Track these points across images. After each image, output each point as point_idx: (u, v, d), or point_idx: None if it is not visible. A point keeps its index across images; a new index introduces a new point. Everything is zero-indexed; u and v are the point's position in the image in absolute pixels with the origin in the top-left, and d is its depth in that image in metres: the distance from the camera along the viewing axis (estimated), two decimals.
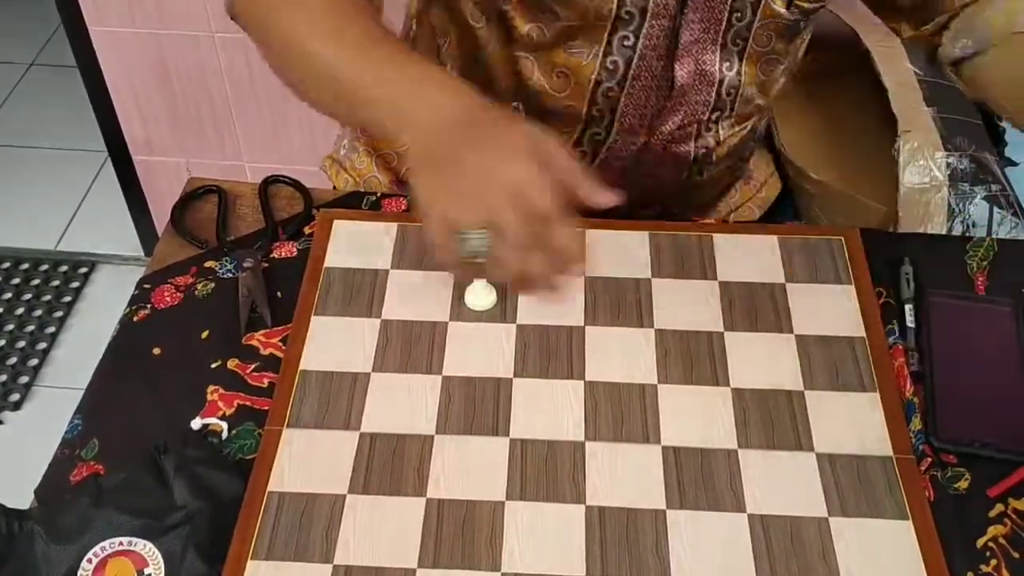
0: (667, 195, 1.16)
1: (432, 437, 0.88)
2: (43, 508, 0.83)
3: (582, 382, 0.92)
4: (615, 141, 1.07)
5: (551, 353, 0.94)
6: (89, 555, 0.79)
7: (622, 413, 0.90)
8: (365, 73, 0.83)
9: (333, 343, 0.94)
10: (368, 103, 0.83)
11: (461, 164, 0.77)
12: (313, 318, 0.96)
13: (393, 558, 0.80)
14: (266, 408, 0.90)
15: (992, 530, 0.83)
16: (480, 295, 0.97)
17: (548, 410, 0.90)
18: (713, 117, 1.07)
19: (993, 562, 0.81)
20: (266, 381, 0.92)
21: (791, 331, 0.96)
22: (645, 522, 0.83)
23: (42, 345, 2.17)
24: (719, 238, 1.04)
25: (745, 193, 1.27)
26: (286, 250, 1.04)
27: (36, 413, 2.06)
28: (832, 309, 0.98)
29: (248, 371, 0.93)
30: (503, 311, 0.97)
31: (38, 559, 0.79)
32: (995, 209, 1.33)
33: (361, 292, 0.98)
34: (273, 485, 0.85)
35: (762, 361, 0.94)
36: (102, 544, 0.79)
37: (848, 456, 0.87)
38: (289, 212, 1.08)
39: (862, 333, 0.95)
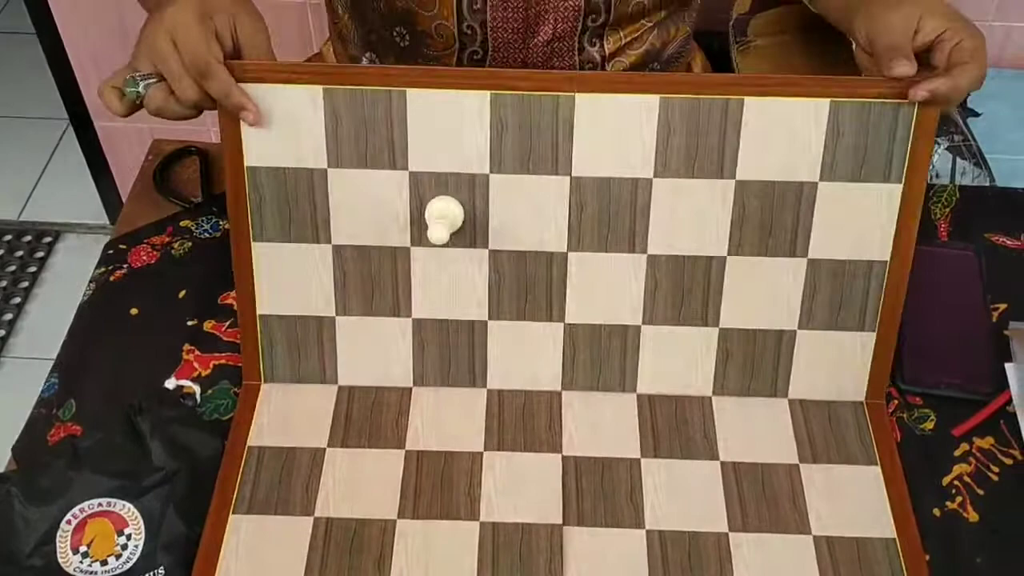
0: None
1: (410, 390, 0.88)
2: (20, 471, 0.83)
3: (561, 324, 0.88)
4: (493, 59, 1.03)
5: (528, 288, 0.87)
6: (68, 516, 0.79)
7: (600, 359, 0.89)
8: None
9: (285, 279, 0.86)
10: None
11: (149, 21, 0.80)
12: (254, 245, 0.86)
13: (373, 510, 0.81)
14: (241, 365, 0.90)
15: (957, 468, 0.85)
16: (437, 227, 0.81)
17: (525, 356, 0.89)
18: (592, 25, 1.02)
19: (959, 499, 0.83)
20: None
21: (805, 254, 0.85)
22: (620, 470, 0.84)
23: (8, 316, 2.15)
24: (753, 105, 0.81)
25: None
26: None
27: (4, 384, 2.04)
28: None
29: (223, 329, 0.93)
30: (473, 235, 0.85)
31: (16, 521, 0.79)
32: (957, 159, 1.35)
33: (298, 203, 0.84)
34: (252, 440, 0.85)
35: (761, 294, 0.87)
36: (81, 505, 0.80)
37: (820, 402, 0.88)
38: None
39: (886, 256, 0.85)
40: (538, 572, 0.78)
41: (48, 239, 2.30)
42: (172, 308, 0.95)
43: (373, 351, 0.89)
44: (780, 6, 1.37)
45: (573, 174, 0.83)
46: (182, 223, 1.02)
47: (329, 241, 0.85)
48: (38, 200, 2.39)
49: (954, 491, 0.83)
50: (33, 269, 2.23)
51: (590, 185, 0.83)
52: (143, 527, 0.79)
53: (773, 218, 0.84)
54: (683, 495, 0.83)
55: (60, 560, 0.78)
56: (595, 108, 0.81)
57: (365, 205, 0.84)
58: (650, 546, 0.80)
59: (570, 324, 0.88)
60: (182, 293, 0.96)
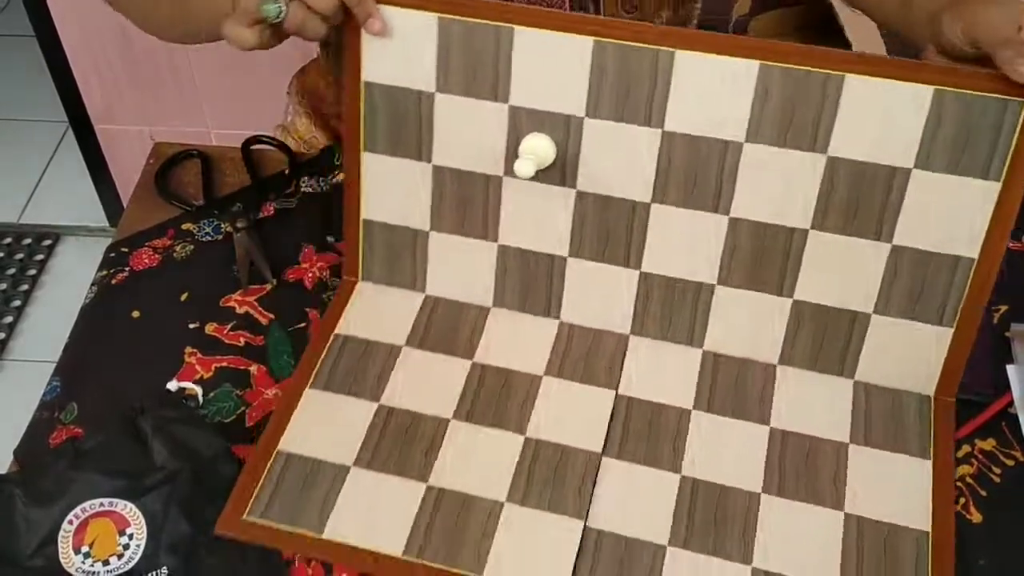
0: None
1: (488, 309, 0.94)
2: (21, 472, 0.83)
3: (637, 272, 0.89)
4: None
5: (609, 232, 0.88)
6: (70, 516, 0.79)
7: (672, 310, 0.90)
8: None
9: (388, 189, 0.90)
10: None
11: None
12: (364, 155, 0.90)
13: (432, 407, 0.86)
14: (243, 368, 0.90)
15: (960, 470, 0.85)
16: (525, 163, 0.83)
17: (599, 296, 0.91)
18: None
19: (962, 500, 0.83)
20: (242, 340, 0.92)
21: (889, 240, 0.84)
22: (670, 417, 0.86)
23: (8, 319, 2.15)
24: (854, 83, 0.79)
25: None
26: (264, 210, 1.04)
27: (4, 387, 2.05)
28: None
29: (225, 331, 0.93)
30: (563, 174, 0.87)
31: (18, 521, 0.79)
32: None
33: (407, 121, 0.88)
34: (340, 328, 0.92)
35: (841, 272, 0.85)
36: (83, 505, 0.79)
37: (886, 389, 0.88)
38: (266, 173, 1.08)
39: (974, 254, 0.83)
40: (568, 491, 0.81)
41: (48, 242, 2.30)
42: (174, 311, 0.95)
43: (460, 268, 0.93)
44: (780, 7, 1.37)
45: (665, 128, 0.83)
46: (184, 226, 1.02)
47: (430, 160, 0.89)
48: (38, 203, 2.40)
49: (957, 492, 0.83)
50: (33, 272, 2.24)
51: (681, 141, 0.84)
52: (145, 527, 0.79)
53: (861, 198, 0.82)
54: (725, 450, 0.84)
55: (62, 560, 0.77)
56: (694, 66, 0.81)
57: (466, 132, 0.87)
58: (681, 490, 0.81)
59: (645, 272, 0.89)
60: (184, 296, 0.96)
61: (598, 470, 0.83)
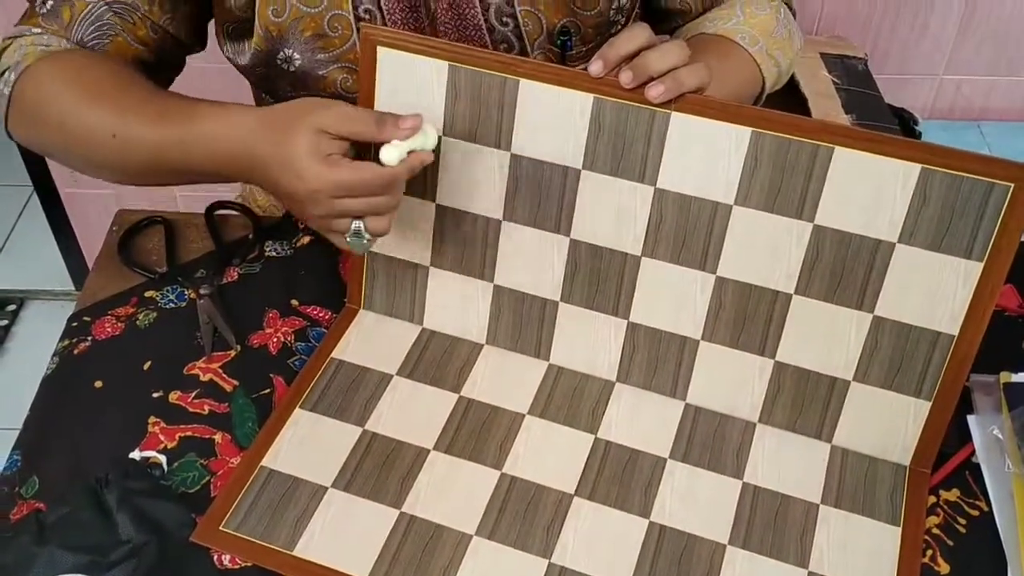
0: None
1: (481, 346, 0.97)
2: None
3: (625, 321, 0.92)
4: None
5: (600, 281, 0.91)
6: None
7: (657, 362, 0.92)
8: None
9: (394, 225, 0.87)
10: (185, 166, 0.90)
11: (290, 200, 0.84)
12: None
13: (414, 436, 0.89)
14: (208, 436, 0.90)
15: (928, 521, 0.85)
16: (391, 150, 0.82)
17: (588, 342, 0.93)
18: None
19: (929, 552, 0.84)
20: (207, 408, 0.92)
21: (871, 310, 0.85)
22: (645, 464, 0.88)
23: None
24: (843, 155, 0.81)
25: None
26: (228, 275, 1.04)
27: None
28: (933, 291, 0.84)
29: (189, 399, 0.93)
30: (557, 222, 0.90)
31: None
32: None
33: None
34: (336, 352, 0.95)
35: (821, 338, 0.87)
36: None
37: (862, 455, 0.89)
38: (230, 238, 1.08)
39: (954, 331, 0.84)
40: (537, 527, 0.83)
41: (12, 307, 2.28)
42: (137, 380, 0.94)
43: (456, 304, 0.96)
44: None
45: (658, 185, 0.86)
46: (147, 294, 1.02)
47: (433, 200, 0.93)
48: (2, 267, 2.38)
49: (924, 544, 0.84)
50: None
51: (673, 199, 0.86)
52: None
53: (845, 268, 0.84)
54: (696, 500, 0.85)
55: None
56: (689, 129, 0.84)
57: (468, 174, 0.91)
58: (648, 535, 0.82)
59: (633, 322, 0.92)
60: (147, 364, 0.96)
61: (568, 509, 0.84)
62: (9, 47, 0.97)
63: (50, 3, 0.97)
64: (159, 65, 1.01)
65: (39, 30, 0.97)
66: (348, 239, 0.83)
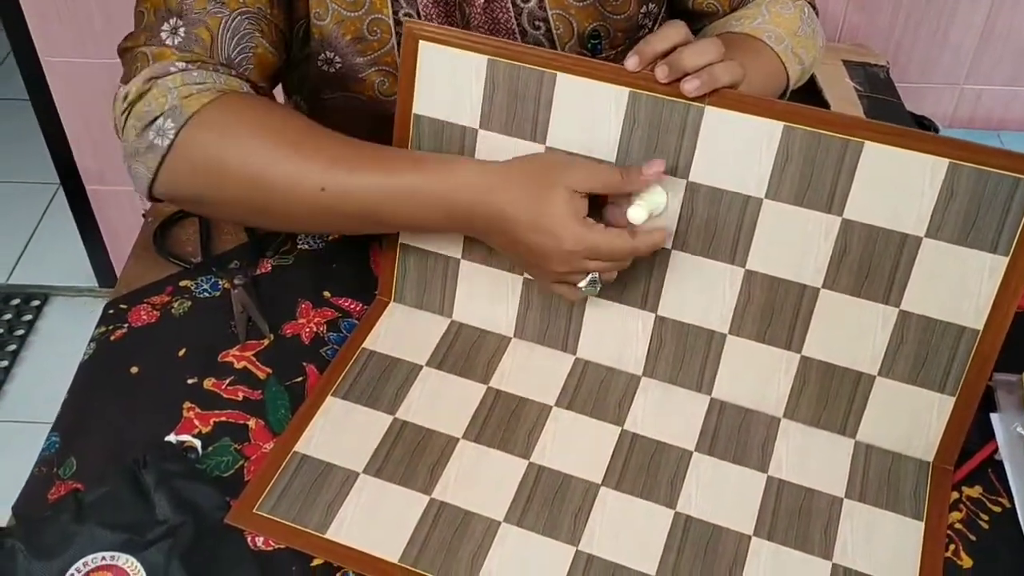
0: None
1: (510, 339, 0.98)
2: (23, 525, 0.83)
3: (653, 315, 0.93)
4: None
5: (628, 274, 0.91)
6: (71, 570, 0.79)
7: (683, 356, 0.93)
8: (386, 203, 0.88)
9: None
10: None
11: (531, 255, 0.87)
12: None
13: (443, 425, 0.90)
14: (242, 422, 0.91)
15: (950, 516, 0.86)
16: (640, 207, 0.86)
17: (615, 336, 0.95)
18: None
19: (952, 547, 0.85)
20: (240, 394, 0.94)
21: (897, 304, 0.86)
22: (671, 456, 0.89)
23: None
24: (872, 150, 0.83)
25: None
26: (261, 267, 1.06)
27: None
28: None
29: (223, 386, 0.94)
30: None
31: (19, 575, 0.79)
32: None
33: (448, 153, 0.93)
34: (367, 343, 0.97)
35: (847, 332, 0.88)
36: (84, 559, 0.80)
37: (886, 451, 0.90)
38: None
39: (979, 326, 0.85)
40: (564, 516, 0.84)
41: (37, 302, 2.30)
42: (172, 367, 0.96)
43: (485, 298, 0.98)
44: None
45: (690, 179, 0.87)
46: (181, 283, 1.04)
47: None
48: (27, 263, 2.40)
49: (947, 539, 0.85)
50: (21, 332, 2.24)
51: (704, 192, 0.88)
52: None
53: (872, 262, 0.85)
54: (721, 492, 0.86)
55: None
56: (721, 123, 0.85)
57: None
58: (674, 525, 0.83)
59: (660, 316, 0.93)
60: (182, 352, 0.97)
61: (595, 499, 0.85)
62: (150, 91, 0.89)
63: (181, 31, 0.90)
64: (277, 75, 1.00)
65: (182, 64, 0.90)
66: (583, 287, 0.87)
